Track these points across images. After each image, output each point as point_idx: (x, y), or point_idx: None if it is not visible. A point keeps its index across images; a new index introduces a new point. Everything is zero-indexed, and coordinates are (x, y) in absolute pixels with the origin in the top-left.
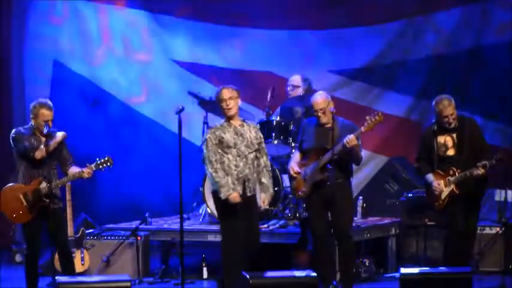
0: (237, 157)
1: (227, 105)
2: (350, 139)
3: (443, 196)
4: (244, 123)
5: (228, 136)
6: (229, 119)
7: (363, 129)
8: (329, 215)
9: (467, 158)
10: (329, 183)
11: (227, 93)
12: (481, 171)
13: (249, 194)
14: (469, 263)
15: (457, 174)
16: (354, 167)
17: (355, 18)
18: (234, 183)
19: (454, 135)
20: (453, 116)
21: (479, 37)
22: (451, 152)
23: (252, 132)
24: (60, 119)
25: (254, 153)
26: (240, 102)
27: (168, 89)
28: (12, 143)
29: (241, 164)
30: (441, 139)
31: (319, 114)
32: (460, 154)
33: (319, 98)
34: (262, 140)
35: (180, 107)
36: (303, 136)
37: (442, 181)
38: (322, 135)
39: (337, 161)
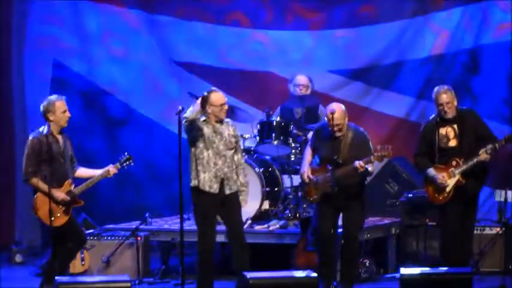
0: (216, 155)
1: (222, 110)
2: (360, 165)
3: (448, 189)
4: (224, 122)
5: (207, 132)
6: (216, 121)
7: (372, 158)
8: (339, 216)
9: (469, 148)
10: (331, 185)
11: (223, 98)
12: (485, 156)
13: (227, 192)
14: (468, 263)
15: (460, 164)
16: None
17: (355, 18)
18: (211, 180)
19: (455, 126)
20: (449, 105)
21: (479, 37)
22: (452, 143)
23: (230, 130)
24: None
25: (232, 152)
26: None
27: (167, 89)
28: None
29: (219, 162)
30: (443, 131)
31: (335, 129)
32: (462, 144)
33: (337, 113)
34: (239, 138)
35: (180, 108)
36: (316, 141)
37: (445, 174)
38: (335, 146)
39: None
